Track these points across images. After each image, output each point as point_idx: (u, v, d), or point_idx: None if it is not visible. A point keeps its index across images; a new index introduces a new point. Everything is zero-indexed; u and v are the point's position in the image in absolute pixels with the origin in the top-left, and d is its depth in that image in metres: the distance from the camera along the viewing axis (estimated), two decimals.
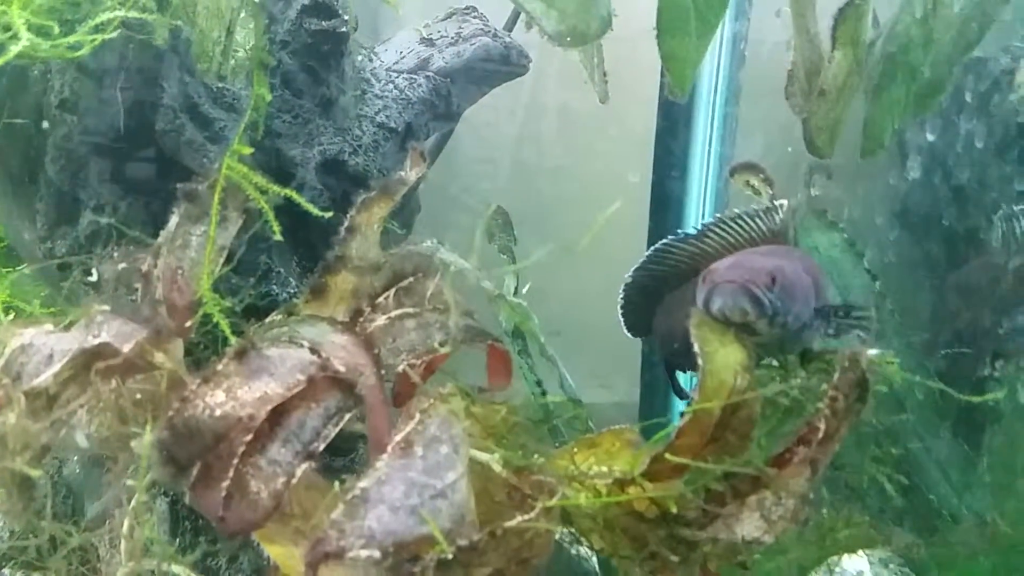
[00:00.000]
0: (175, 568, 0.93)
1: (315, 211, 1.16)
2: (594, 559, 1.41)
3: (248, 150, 1.00)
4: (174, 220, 0.97)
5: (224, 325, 0.90)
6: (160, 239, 0.96)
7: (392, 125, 1.40)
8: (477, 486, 0.97)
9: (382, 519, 0.86)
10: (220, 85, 1.20)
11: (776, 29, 1.31)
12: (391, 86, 1.43)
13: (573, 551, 1.37)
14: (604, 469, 0.95)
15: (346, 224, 1.12)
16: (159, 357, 0.89)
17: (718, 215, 1.07)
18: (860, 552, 1.14)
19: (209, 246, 0.96)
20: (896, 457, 1.13)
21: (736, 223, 1.07)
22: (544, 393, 1.21)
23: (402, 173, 1.21)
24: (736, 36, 1.41)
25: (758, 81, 1.56)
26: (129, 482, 0.91)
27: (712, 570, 0.95)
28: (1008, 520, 1.09)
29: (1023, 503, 1.06)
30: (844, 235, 1.27)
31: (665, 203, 1.66)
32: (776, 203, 1.09)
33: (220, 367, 0.89)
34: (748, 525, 0.92)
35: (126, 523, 0.90)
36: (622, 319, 1.14)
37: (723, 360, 0.91)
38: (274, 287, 1.20)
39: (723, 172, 1.52)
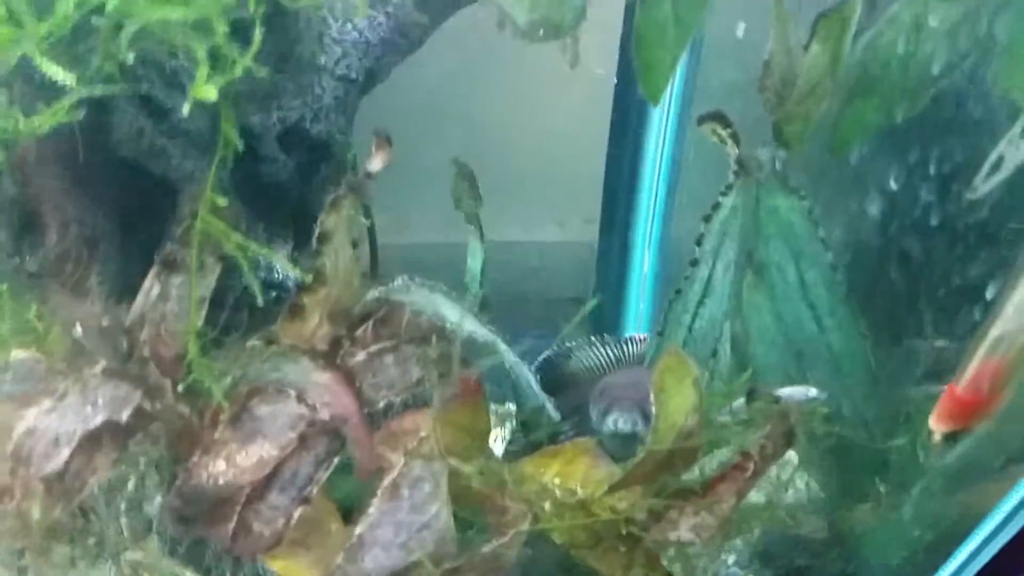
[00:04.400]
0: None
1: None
2: None
3: (223, 201, 0.97)
4: (152, 274, 0.97)
5: (215, 389, 0.94)
6: (139, 297, 0.96)
7: (353, 76, 1.31)
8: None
9: (377, 559, 1.00)
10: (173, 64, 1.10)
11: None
12: (349, 27, 1.32)
13: None
14: (569, 485, 1.09)
15: (317, 232, 1.12)
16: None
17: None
18: None
19: (193, 295, 0.97)
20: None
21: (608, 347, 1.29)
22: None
23: (368, 164, 1.19)
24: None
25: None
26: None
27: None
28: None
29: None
30: (805, 202, 1.32)
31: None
32: (639, 336, 1.29)
33: (217, 435, 0.96)
34: (683, 530, 1.09)
35: None
36: None
37: (676, 406, 1.02)
38: None
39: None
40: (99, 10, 0.87)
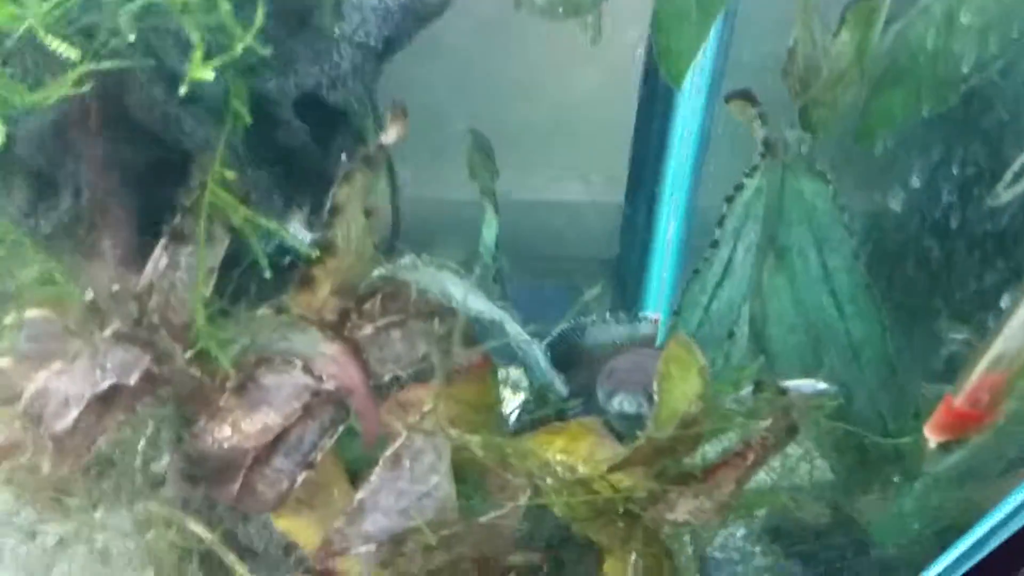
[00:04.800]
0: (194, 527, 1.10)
1: None
2: None
3: (231, 175, 0.98)
4: (161, 243, 0.98)
5: (222, 358, 0.96)
6: (148, 265, 0.98)
7: (372, 44, 1.29)
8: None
9: (377, 522, 1.02)
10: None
11: None
12: None
13: None
14: (571, 462, 1.09)
15: (329, 204, 1.12)
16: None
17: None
18: None
19: (201, 268, 0.98)
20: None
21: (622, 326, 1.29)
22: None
23: (382, 137, 1.18)
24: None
25: None
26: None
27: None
28: None
29: None
30: (830, 187, 1.28)
31: None
32: (652, 316, 1.29)
33: (223, 402, 0.98)
34: (680, 511, 1.09)
35: None
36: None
37: (680, 394, 1.01)
38: None
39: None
40: None
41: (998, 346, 0.87)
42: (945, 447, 0.99)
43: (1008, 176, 1.08)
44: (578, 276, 2.24)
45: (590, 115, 2.12)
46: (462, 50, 1.91)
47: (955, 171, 1.20)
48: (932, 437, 0.93)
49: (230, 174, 0.98)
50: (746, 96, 1.31)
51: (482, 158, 1.35)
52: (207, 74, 0.91)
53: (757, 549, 1.37)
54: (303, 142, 1.28)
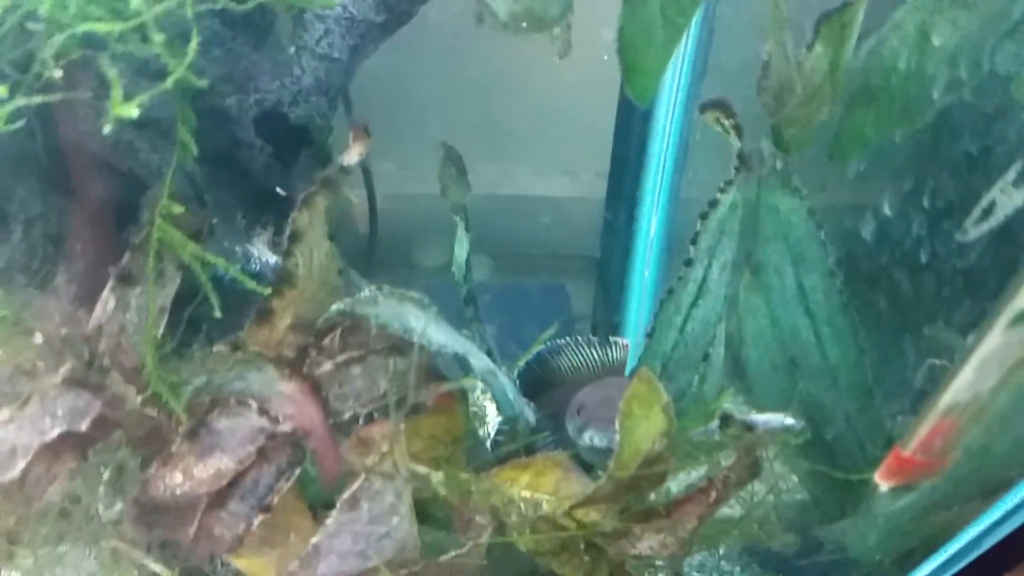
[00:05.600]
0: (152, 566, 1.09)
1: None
2: None
3: (180, 209, 0.94)
4: (109, 285, 0.95)
5: (173, 402, 0.94)
6: (97, 308, 0.95)
7: (336, 55, 1.25)
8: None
9: (332, 565, 1.00)
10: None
11: None
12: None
13: None
14: (537, 497, 1.08)
15: (288, 231, 1.09)
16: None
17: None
18: None
19: (151, 309, 0.96)
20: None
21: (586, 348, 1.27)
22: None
23: (343, 158, 1.14)
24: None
25: None
26: None
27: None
28: None
29: None
30: (806, 204, 1.24)
31: None
32: (619, 341, 1.25)
33: (175, 448, 0.96)
34: (644, 545, 1.08)
35: None
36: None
37: (643, 433, 0.99)
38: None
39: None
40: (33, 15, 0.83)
41: (951, 394, 0.85)
42: (896, 492, 0.98)
43: (976, 212, 1.04)
44: (564, 275, 2.22)
45: (578, 108, 2.08)
46: (446, 43, 1.87)
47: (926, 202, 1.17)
48: (883, 483, 0.92)
49: (178, 208, 0.94)
50: (721, 106, 1.27)
51: (454, 173, 1.30)
52: (130, 112, 0.87)
53: (736, 569, 1.37)
54: (265, 161, 1.25)
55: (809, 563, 1.36)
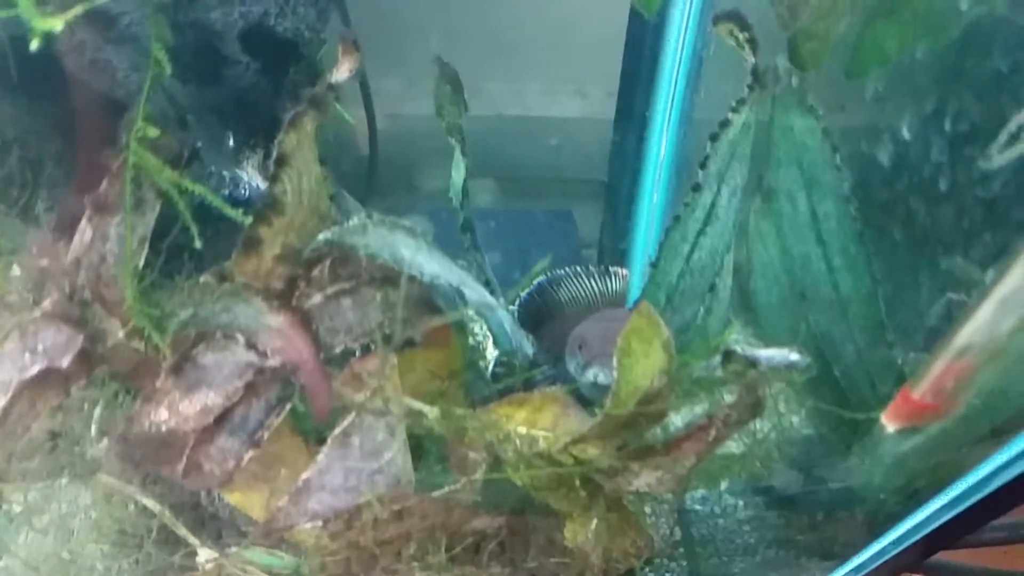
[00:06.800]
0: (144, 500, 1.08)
1: None
2: None
3: (155, 132, 0.89)
4: (86, 214, 0.91)
5: (156, 337, 0.90)
6: (75, 240, 0.91)
7: None
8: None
9: (323, 501, 0.99)
10: None
11: None
12: None
13: None
14: (535, 433, 1.05)
15: (275, 154, 1.03)
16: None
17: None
18: None
19: (128, 236, 0.92)
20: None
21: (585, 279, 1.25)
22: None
23: (331, 75, 1.08)
24: None
25: None
26: None
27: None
28: None
29: None
30: (822, 124, 1.17)
31: None
32: (619, 271, 1.23)
33: (159, 384, 0.93)
34: (641, 481, 1.06)
35: None
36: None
37: (641, 370, 0.95)
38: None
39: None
40: None
41: (966, 333, 0.80)
42: (903, 433, 0.94)
43: (1002, 137, 0.97)
44: (571, 200, 2.15)
45: (589, 22, 1.97)
46: None
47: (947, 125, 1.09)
48: (889, 425, 0.88)
49: (154, 131, 0.89)
50: (734, 18, 1.19)
51: (449, 92, 1.23)
52: (55, 24, 0.78)
53: (740, 502, 1.35)
54: (252, 79, 1.19)
55: (813, 496, 1.35)
